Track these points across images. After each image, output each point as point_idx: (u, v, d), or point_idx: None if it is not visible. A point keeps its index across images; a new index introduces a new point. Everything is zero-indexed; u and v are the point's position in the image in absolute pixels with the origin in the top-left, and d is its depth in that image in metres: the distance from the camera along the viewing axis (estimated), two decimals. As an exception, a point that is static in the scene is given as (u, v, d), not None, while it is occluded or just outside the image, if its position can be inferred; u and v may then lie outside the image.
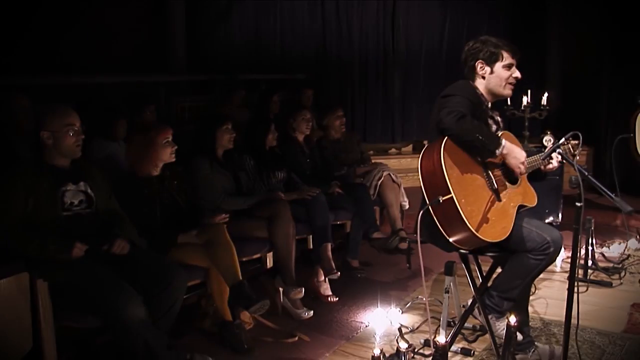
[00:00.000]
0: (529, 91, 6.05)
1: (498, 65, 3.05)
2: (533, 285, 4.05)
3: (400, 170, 6.50)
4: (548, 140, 5.82)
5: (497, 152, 2.83)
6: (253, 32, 7.54)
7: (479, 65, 3.07)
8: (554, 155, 2.99)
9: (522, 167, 2.89)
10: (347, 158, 5.39)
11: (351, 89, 7.89)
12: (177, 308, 3.13)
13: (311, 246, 4.46)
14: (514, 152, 2.88)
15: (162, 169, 3.67)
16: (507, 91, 3.11)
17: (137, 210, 3.45)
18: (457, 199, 2.73)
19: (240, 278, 3.48)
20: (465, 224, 2.73)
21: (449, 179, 2.74)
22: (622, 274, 4.58)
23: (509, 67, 3.06)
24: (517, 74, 3.09)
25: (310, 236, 4.45)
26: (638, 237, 5.47)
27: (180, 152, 3.73)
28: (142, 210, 3.50)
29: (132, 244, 3.16)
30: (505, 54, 3.05)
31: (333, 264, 4.34)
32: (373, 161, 5.77)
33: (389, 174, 5.25)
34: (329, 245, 4.36)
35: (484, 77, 3.09)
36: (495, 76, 3.07)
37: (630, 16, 7.17)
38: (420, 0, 8.00)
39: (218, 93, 6.20)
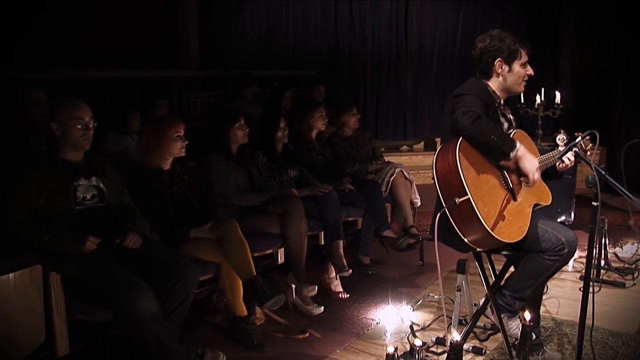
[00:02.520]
0: (542, 89, 6.00)
1: (516, 64, 3.02)
2: (545, 285, 4.04)
3: (412, 167, 6.47)
4: (562, 139, 5.77)
5: (512, 154, 2.78)
6: (265, 28, 7.54)
7: (498, 63, 3.02)
8: (568, 153, 2.96)
9: (535, 174, 2.82)
10: (359, 155, 5.36)
11: (363, 86, 7.88)
12: (188, 302, 3.13)
13: (323, 243, 4.44)
14: (528, 156, 2.84)
15: (173, 164, 3.67)
16: (521, 88, 3.10)
17: (149, 203, 3.45)
18: (474, 200, 2.69)
19: (255, 273, 3.47)
20: (483, 224, 2.70)
21: (465, 180, 2.71)
22: (635, 274, 4.54)
23: (525, 64, 3.04)
24: (531, 71, 3.07)
25: (322, 233, 4.43)
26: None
27: (191, 147, 3.72)
28: (154, 203, 3.50)
29: (145, 237, 3.16)
30: (522, 52, 3.03)
31: (344, 261, 4.34)
32: (385, 159, 5.74)
33: (402, 171, 5.21)
34: (341, 242, 4.36)
35: (501, 76, 3.05)
36: (514, 74, 3.03)
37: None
38: (433, 0, 7.97)
39: (230, 89, 6.20)
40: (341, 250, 4.34)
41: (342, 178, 4.86)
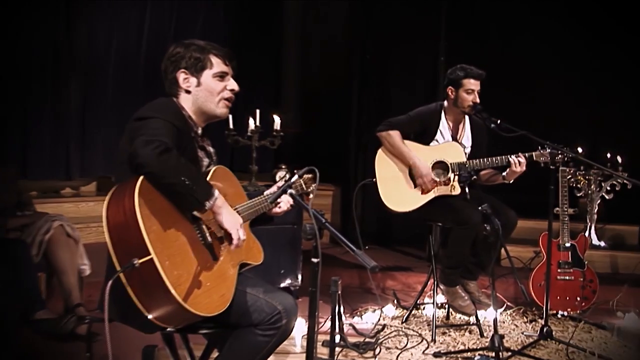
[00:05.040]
0: (258, 112, 6.34)
1: (206, 75, 3.20)
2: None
3: (79, 219, 6.44)
4: (282, 176, 6.20)
5: (208, 204, 2.89)
6: None
7: (181, 75, 3.20)
8: (283, 196, 3.19)
9: (239, 232, 2.99)
10: (-3, 202, 5.20)
11: (3, 104, 7.55)
12: None
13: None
14: (228, 208, 3.00)
15: None
16: (222, 109, 3.26)
17: None
18: (158, 260, 2.72)
19: None
20: (171, 293, 2.73)
21: (147, 233, 2.73)
22: (377, 350, 4.91)
23: (221, 76, 3.22)
24: (234, 85, 3.26)
25: None
26: (395, 301, 5.99)
27: None
28: None
29: None
30: (214, 60, 3.21)
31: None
32: (37, 207, 5.63)
33: (62, 225, 5.16)
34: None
35: (189, 92, 3.21)
36: (204, 89, 3.21)
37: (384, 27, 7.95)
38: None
39: None
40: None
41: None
